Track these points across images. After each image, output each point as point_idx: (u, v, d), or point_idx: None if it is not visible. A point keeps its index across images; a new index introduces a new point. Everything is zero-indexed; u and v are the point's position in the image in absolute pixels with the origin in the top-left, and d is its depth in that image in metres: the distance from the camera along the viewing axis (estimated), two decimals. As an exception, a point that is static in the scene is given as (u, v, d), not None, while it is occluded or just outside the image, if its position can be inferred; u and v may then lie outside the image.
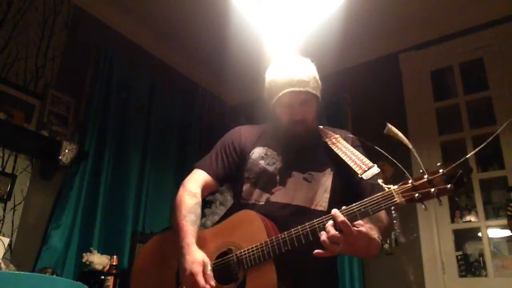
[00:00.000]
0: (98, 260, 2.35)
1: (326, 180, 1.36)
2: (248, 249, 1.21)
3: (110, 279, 2.28)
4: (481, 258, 2.67)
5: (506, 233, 2.63)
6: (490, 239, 2.59)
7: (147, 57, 3.31)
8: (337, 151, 1.35)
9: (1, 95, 2.28)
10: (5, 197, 2.23)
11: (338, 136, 1.43)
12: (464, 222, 2.75)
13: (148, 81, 3.20)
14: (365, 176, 1.22)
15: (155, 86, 3.25)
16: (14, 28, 2.43)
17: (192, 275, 1.18)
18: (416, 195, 1.02)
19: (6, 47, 2.38)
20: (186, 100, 3.57)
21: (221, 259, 1.27)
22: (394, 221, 1.14)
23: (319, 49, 3.17)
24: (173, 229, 1.34)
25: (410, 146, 1.06)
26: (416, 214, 2.73)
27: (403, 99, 3.02)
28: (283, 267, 1.19)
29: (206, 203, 3.16)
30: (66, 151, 2.35)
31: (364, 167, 1.25)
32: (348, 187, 1.36)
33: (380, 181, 1.10)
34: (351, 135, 1.47)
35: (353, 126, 3.06)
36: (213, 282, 1.19)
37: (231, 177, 1.50)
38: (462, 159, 1.00)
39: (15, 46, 2.43)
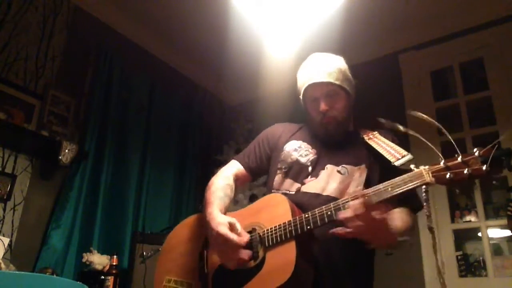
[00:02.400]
0: (98, 260, 2.35)
1: (360, 175, 1.34)
2: (271, 228, 1.19)
3: (110, 279, 2.28)
4: (481, 258, 2.67)
5: (506, 233, 2.63)
6: (490, 239, 2.59)
7: (147, 57, 3.31)
8: (373, 145, 1.35)
9: (1, 95, 2.28)
10: (5, 197, 2.23)
11: (377, 132, 1.44)
12: (464, 222, 2.75)
13: (148, 81, 3.20)
14: (398, 163, 1.19)
15: (155, 86, 3.25)
16: (14, 28, 2.43)
17: (220, 235, 1.18)
18: (448, 175, 0.97)
19: (6, 47, 2.38)
20: (186, 100, 3.57)
21: None
22: (424, 204, 1.05)
23: (319, 49, 3.16)
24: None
25: (439, 125, 1.09)
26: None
27: (403, 99, 3.02)
28: (305, 249, 1.16)
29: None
30: (66, 151, 2.35)
31: (398, 155, 1.23)
32: (382, 178, 1.28)
33: (412, 166, 1.07)
34: (391, 133, 1.44)
35: (353, 126, 3.06)
36: (247, 236, 1.20)
37: (263, 170, 1.54)
38: (498, 140, 0.96)
39: (15, 46, 2.43)
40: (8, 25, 2.41)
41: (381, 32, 3.11)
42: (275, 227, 1.18)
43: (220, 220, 1.23)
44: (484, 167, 0.94)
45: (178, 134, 3.40)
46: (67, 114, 2.60)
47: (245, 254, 1.18)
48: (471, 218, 2.73)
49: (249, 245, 1.21)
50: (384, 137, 1.40)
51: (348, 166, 1.35)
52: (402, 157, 1.21)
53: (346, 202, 1.09)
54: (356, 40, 3.15)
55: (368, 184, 1.30)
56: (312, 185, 1.33)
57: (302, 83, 1.41)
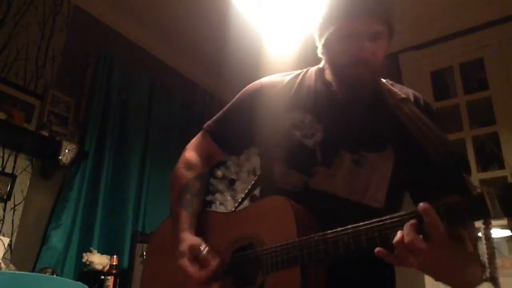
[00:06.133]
0: (98, 260, 2.35)
1: (385, 164, 0.97)
2: (270, 248, 0.89)
3: (110, 279, 2.28)
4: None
5: (506, 233, 2.63)
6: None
7: (147, 57, 3.31)
8: (405, 120, 0.95)
9: (1, 95, 2.28)
10: (5, 197, 2.22)
11: (407, 96, 1.03)
12: (464, 222, 2.74)
13: (148, 81, 3.20)
14: (444, 162, 0.84)
15: (155, 86, 3.25)
16: (14, 28, 2.43)
17: (182, 268, 0.92)
18: None
19: (6, 47, 2.38)
20: (186, 100, 3.57)
21: (238, 254, 0.96)
22: (485, 242, 0.77)
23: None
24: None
25: None
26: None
27: (403, 99, 3.02)
28: (314, 278, 0.85)
29: (206, 203, 3.16)
30: (66, 151, 2.35)
31: (441, 148, 0.86)
32: (414, 175, 0.96)
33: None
34: (421, 97, 1.09)
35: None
36: (213, 266, 0.91)
37: (243, 147, 1.22)
38: None
39: (15, 46, 2.43)
40: (8, 25, 2.41)
41: (381, 32, 3.11)
42: (276, 247, 0.88)
43: (182, 248, 0.94)
44: None
45: (178, 134, 3.40)
46: (67, 114, 2.60)
47: None
48: (471, 218, 2.72)
49: (244, 264, 0.94)
50: (415, 103, 1.02)
51: (367, 154, 0.97)
52: (449, 151, 0.85)
53: (395, 225, 0.74)
54: (356, 40, 3.15)
55: (394, 177, 0.97)
56: (323, 180, 0.97)
57: (340, 14, 0.94)
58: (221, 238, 0.99)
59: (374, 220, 0.76)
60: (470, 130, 2.76)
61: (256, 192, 1.24)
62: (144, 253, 2.44)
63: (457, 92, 2.91)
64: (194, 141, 1.20)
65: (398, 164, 0.98)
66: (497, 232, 2.71)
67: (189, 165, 1.13)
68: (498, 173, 2.65)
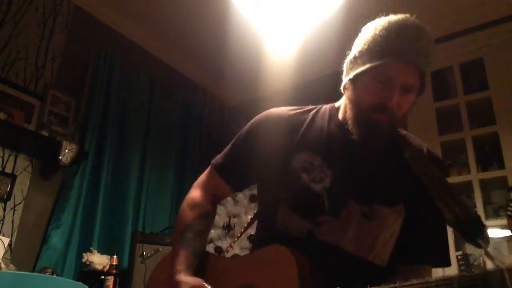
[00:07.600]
0: (98, 260, 2.35)
1: (395, 221, 0.94)
2: None
3: (110, 279, 2.28)
4: (481, 258, 2.66)
5: (506, 233, 2.63)
6: (490, 239, 2.58)
7: (147, 57, 3.31)
8: (421, 176, 0.91)
9: (1, 95, 2.29)
10: (5, 197, 2.23)
11: (421, 149, 0.98)
12: (464, 222, 2.74)
13: (148, 81, 3.20)
14: (463, 231, 0.82)
15: (155, 86, 3.25)
16: (14, 28, 2.44)
17: None
18: None
19: (6, 47, 2.38)
20: (186, 100, 3.57)
21: None
22: None
23: (319, 49, 3.17)
24: None
25: None
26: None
27: (403, 99, 3.01)
28: None
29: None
30: (66, 151, 2.35)
31: (458, 210, 0.82)
32: (422, 236, 0.94)
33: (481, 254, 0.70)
34: (433, 151, 1.03)
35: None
36: None
37: (251, 183, 1.18)
38: None
39: (15, 46, 2.43)
40: (8, 25, 2.41)
41: (381, 32, 3.11)
42: None
43: (183, 281, 0.92)
44: None
45: (178, 134, 3.40)
46: (67, 114, 2.60)
47: None
48: (471, 218, 2.72)
49: None
50: (430, 157, 0.97)
51: (378, 207, 0.93)
52: (468, 216, 0.81)
53: None
54: (356, 40, 3.15)
55: (402, 236, 0.95)
56: (330, 232, 0.93)
57: (381, 52, 0.90)
58: (220, 284, 0.94)
59: None
60: (470, 130, 2.76)
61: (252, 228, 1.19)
62: (144, 253, 2.44)
63: (457, 92, 2.90)
64: (202, 177, 1.17)
65: (408, 221, 0.95)
66: (497, 232, 2.71)
67: (193, 204, 1.11)
68: (498, 173, 2.65)
